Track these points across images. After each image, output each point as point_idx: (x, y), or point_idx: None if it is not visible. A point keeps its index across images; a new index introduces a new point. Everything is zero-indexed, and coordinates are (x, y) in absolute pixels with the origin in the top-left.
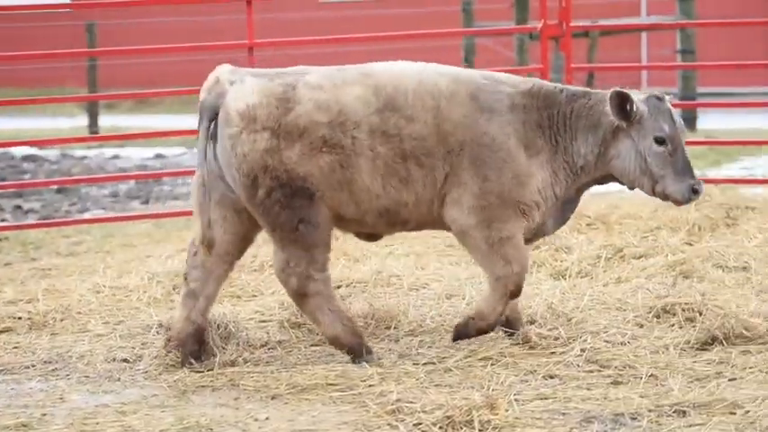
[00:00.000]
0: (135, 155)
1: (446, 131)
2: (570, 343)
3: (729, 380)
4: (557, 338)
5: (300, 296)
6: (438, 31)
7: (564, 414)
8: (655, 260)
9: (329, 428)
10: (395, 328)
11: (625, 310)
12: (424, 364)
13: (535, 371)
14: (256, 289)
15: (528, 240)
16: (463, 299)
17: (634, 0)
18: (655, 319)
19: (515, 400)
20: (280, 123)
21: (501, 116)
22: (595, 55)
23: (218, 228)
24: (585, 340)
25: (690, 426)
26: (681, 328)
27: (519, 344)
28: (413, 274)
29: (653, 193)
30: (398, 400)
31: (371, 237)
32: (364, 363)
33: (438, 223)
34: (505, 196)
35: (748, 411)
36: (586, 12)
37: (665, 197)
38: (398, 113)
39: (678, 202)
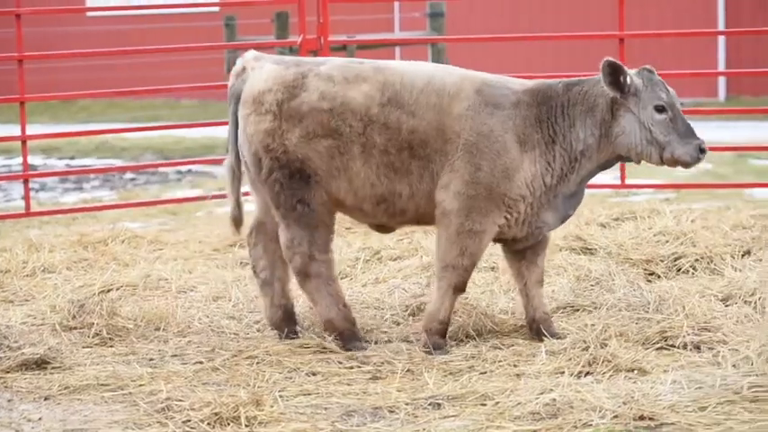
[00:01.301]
0: None
1: (446, 125)
2: (331, 340)
3: (481, 373)
4: (320, 338)
5: (302, 275)
6: (202, 45)
7: (326, 408)
8: (410, 261)
9: (100, 427)
10: (164, 329)
11: (383, 309)
12: (193, 363)
13: (299, 368)
14: (28, 293)
15: (525, 239)
16: (230, 301)
17: (388, 17)
18: (411, 317)
19: (280, 396)
20: (283, 107)
21: (503, 111)
22: None
23: (265, 211)
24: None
25: (444, 417)
26: None
27: (283, 343)
28: (181, 278)
29: (661, 161)
30: (168, 399)
31: (383, 228)
32: (353, 348)
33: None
34: (493, 188)
35: (498, 402)
36: (344, 27)
37: (674, 162)
38: (401, 109)
39: (688, 164)
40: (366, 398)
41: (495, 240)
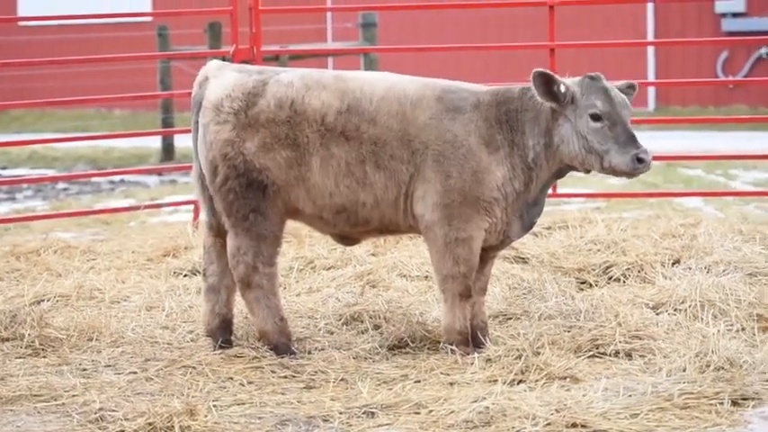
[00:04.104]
0: None
1: (411, 135)
2: (267, 351)
3: (415, 382)
4: (254, 348)
5: (244, 285)
6: (134, 55)
7: (260, 418)
8: (344, 271)
9: None
10: (97, 339)
11: (317, 318)
12: (127, 373)
13: (233, 378)
14: None
15: (495, 248)
16: (163, 310)
17: (321, 27)
18: (344, 326)
19: (214, 405)
20: (241, 115)
21: (464, 114)
22: None
23: (212, 216)
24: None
25: (378, 426)
26: (369, 333)
27: (217, 352)
28: (114, 288)
29: (602, 170)
30: (101, 409)
31: (347, 240)
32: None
33: (409, 227)
34: (467, 193)
35: (432, 411)
36: (277, 37)
37: (612, 171)
38: (360, 117)
39: (626, 174)
40: (300, 407)
41: None
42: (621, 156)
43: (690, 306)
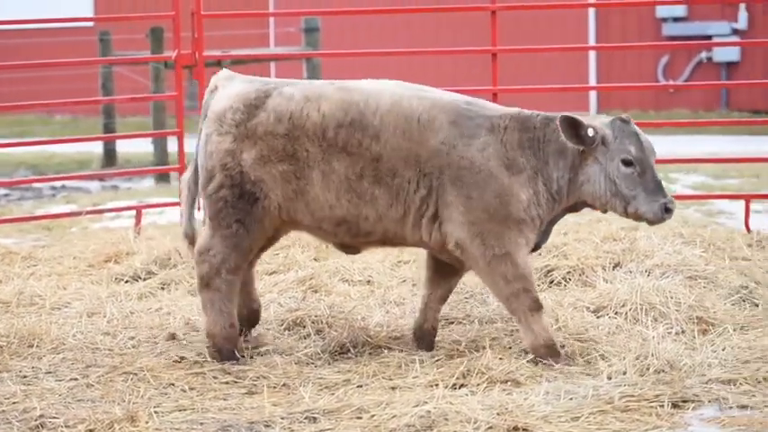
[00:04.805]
0: None
1: (421, 157)
2: (207, 356)
3: (357, 386)
4: (199, 353)
5: (203, 284)
6: (76, 60)
7: (202, 424)
8: (286, 276)
9: None
10: (37, 346)
11: (258, 324)
12: (67, 380)
13: (174, 384)
14: None
15: None
16: (104, 317)
17: (264, 32)
18: (286, 331)
19: (155, 412)
20: (241, 127)
21: (479, 139)
22: None
23: None
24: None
25: (320, 431)
26: (311, 338)
27: (161, 358)
28: (55, 294)
29: (626, 214)
30: (41, 416)
31: (349, 249)
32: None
33: (417, 242)
34: (492, 212)
35: (374, 415)
36: (219, 42)
37: (637, 217)
38: (363, 132)
39: (651, 222)
40: (242, 412)
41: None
42: (649, 204)
43: (630, 309)
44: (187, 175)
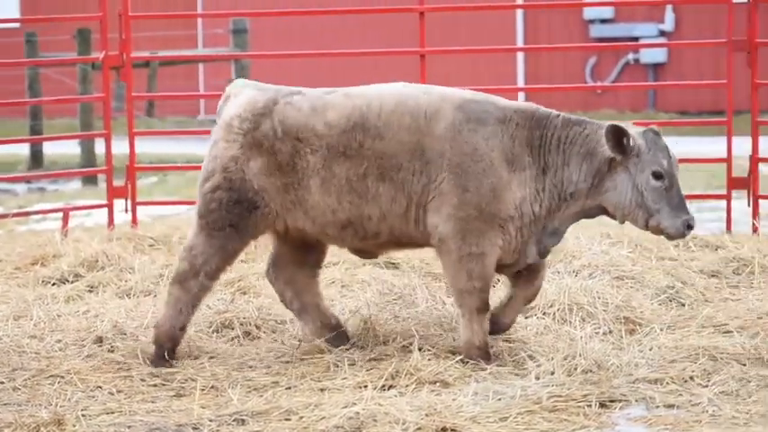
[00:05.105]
0: None
1: (425, 145)
2: (136, 359)
3: (286, 388)
4: (123, 355)
5: (178, 280)
6: (1, 62)
7: (129, 427)
8: None
9: None
10: None
11: (187, 326)
12: None
13: (101, 386)
14: None
15: (511, 266)
16: (31, 320)
17: (192, 33)
18: (215, 333)
19: (83, 415)
20: (249, 136)
21: (486, 127)
22: (155, 84)
23: (280, 244)
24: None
25: None
26: (239, 340)
27: (88, 361)
28: None
29: (646, 226)
30: None
31: (364, 253)
32: (155, 366)
33: (424, 239)
34: (483, 208)
35: (302, 417)
36: (147, 43)
37: (658, 231)
38: (365, 133)
39: (672, 237)
40: (170, 415)
41: None
42: (672, 219)
43: (558, 309)
44: None
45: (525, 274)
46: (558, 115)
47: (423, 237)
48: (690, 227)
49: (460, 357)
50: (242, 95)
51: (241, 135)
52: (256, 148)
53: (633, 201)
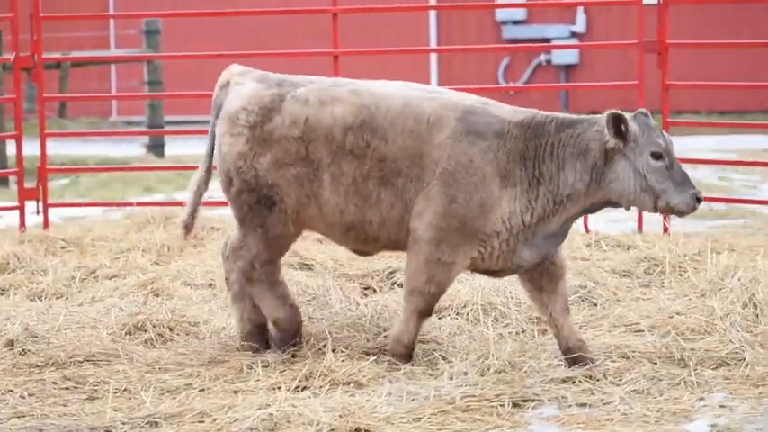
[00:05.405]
0: None
1: (424, 152)
2: (48, 362)
3: (199, 390)
4: (34, 359)
5: (246, 278)
6: None
7: (41, 430)
8: (127, 280)
9: None
10: None
11: (99, 329)
12: None
13: (12, 390)
14: None
15: (502, 270)
16: None
17: (104, 34)
18: (128, 335)
19: None
20: (256, 130)
21: (485, 141)
22: (67, 85)
23: None
24: (60, 359)
25: None
26: (153, 343)
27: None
28: None
29: (655, 209)
30: None
31: (362, 252)
32: (285, 349)
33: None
34: (467, 222)
35: (216, 419)
36: (58, 44)
37: (669, 210)
38: (372, 133)
39: (683, 213)
40: (83, 418)
41: (471, 270)
42: (681, 195)
43: (471, 310)
44: (198, 175)
45: (546, 287)
46: (552, 120)
47: None
48: (699, 199)
49: (375, 357)
50: (245, 87)
51: (247, 128)
52: (265, 142)
53: (638, 186)
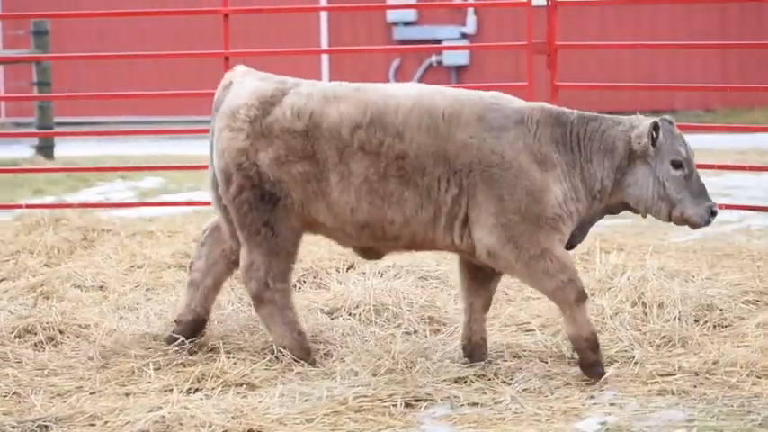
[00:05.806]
0: None
1: (449, 153)
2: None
3: (90, 393)
4: None
5: (257, 300)
6: None
7: None
8: (16, 282)
9: None
10: None
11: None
12: None
13: None
14: None
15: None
16: None
17: None
18: (17, 338)
19: None
20: (256, 124)
21: (509, 132)
22: None
23: (226, 225)
24: None
25: None
26: (43, 345)
27: None
28: None
29: (669, 218)
30: None
31: (370, 253)
32: None
33: (446, 247)
34: (524, 212)
35: (107, 422)
36: None
37: (682, 221)
38: (384, 131)
39: (696, 225)
40: None
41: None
42: (696, 207)
43: (364, 310)
44: (209, 173)
45: (481, 279)
46: (572, 112)
47: (447, 245)
48: (713, 213)
49: (574, 350)
50: (245, 84)
51: (248, 123)
52: (266, 137)
53: (655, 193)
